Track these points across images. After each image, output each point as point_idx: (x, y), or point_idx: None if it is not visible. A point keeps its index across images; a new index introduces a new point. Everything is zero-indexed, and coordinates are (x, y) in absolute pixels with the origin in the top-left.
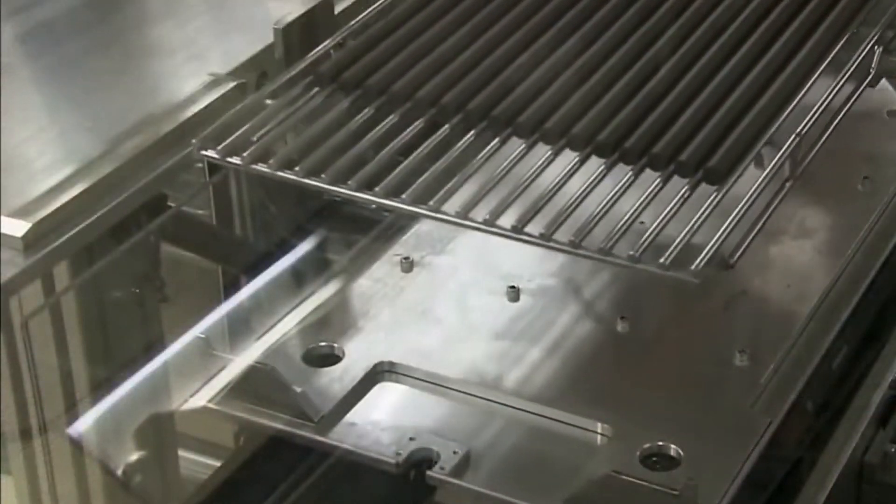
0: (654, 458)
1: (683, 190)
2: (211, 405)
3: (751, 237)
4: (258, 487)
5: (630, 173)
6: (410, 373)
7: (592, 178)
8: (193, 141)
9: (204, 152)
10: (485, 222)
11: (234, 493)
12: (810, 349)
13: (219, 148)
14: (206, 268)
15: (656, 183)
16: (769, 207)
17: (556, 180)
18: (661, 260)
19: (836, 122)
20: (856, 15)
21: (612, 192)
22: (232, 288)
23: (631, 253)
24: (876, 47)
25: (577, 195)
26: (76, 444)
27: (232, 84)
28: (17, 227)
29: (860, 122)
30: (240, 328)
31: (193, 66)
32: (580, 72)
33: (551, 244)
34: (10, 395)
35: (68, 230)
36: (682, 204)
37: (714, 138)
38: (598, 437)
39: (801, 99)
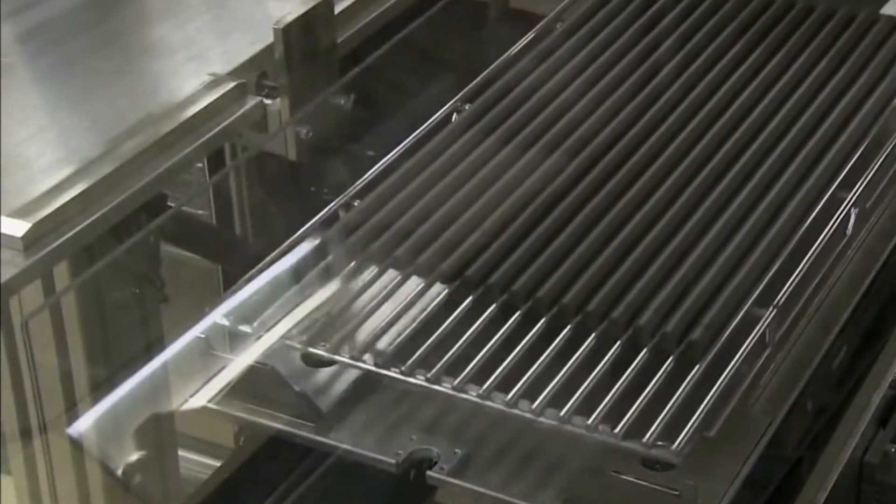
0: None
1: (667, 364)
2: (211, 405)
3: (728, 409)
4: (258, 487)
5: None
6: None
7: (583, 350)
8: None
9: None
10: (479, 396)
11: (234, 493)
12: (810, 349)
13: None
14: (206, 268)
15: (642, 355)
16: (746, 377)
17: (550, 352)
18: (644, 439)
19: (810, 290)
20: (833, 179)
21: (600, 367)
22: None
23: (615, 431)
24: (853, 210)
25: (566, 369)
26: (76, 444)
27: (232, 84)
28: (17, 227)
29: None
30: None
31: (193, 66)
32: (570, 239)
33: (541, 419)
34: (10, 395)
35: (68, 230)
36: (662, 377)
37: (696, 310)
38: (598, 437)
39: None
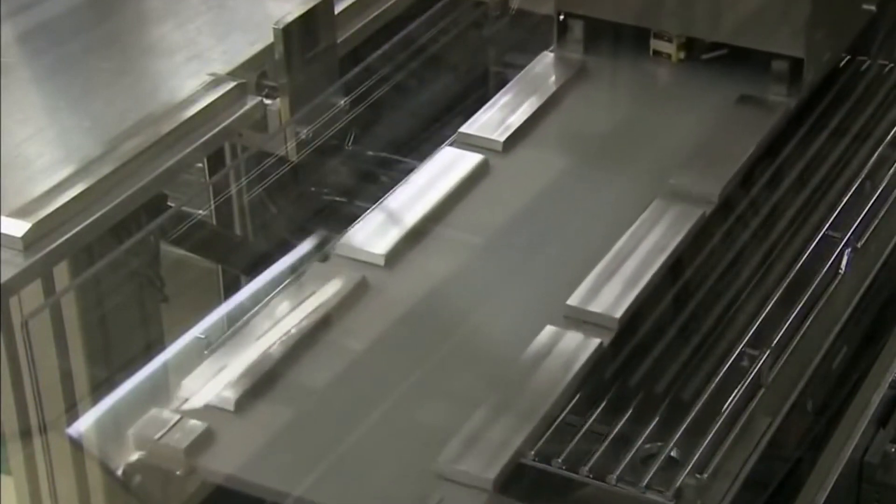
0: (655, 458)
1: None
2: (210, 405)
3: (723, 450)
4: None
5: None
6: None
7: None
8: None
9: None
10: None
11: (234, 493)
12: (810, 349)
13: None
14: (206, 268)
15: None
16: (740, 417)
17: None
18: (640, 484)
19: (804, 329)
20: (824, 221)
21: (595, 411)
22: (232, 288)
23: (609, 476)
24: (846, 250)
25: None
26: (76, 444)
27: (232, 84)
28: (17, 227)
29: None
30: (240, 328)
31: (193, 66)
32: None
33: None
34: (10, 395)
35: (68, 230)
36: (658, 421)
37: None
38: (598, 437)
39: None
